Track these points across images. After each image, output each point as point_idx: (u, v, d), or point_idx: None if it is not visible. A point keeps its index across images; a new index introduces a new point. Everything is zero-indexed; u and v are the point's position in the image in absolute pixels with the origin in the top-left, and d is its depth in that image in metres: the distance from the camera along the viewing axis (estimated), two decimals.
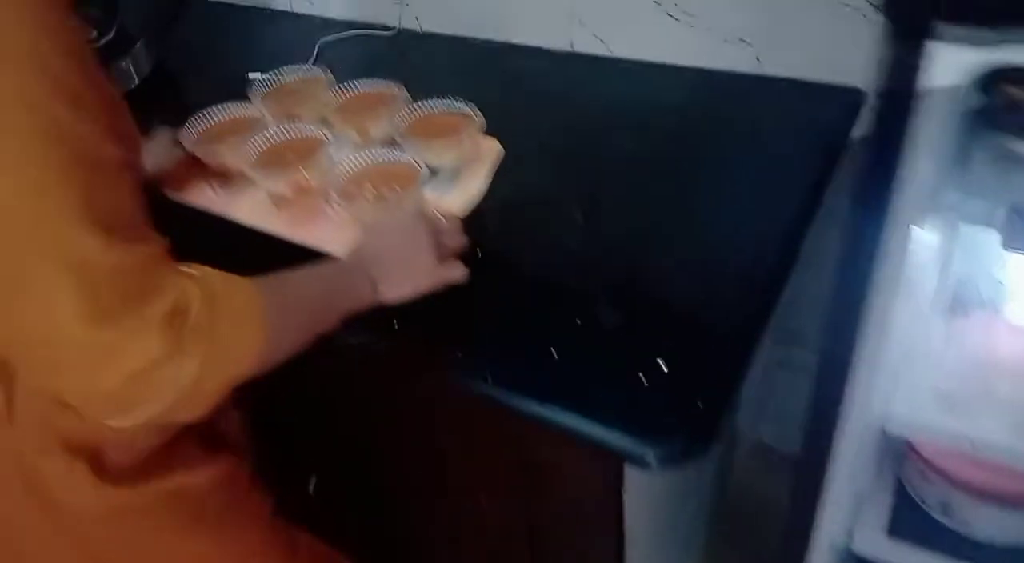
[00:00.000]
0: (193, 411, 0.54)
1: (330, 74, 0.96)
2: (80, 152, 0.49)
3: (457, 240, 0.75)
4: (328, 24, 1.38)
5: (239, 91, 1.22)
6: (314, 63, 1.27)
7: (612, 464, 0.70)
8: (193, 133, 0.89)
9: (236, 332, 0.55)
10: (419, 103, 0.88)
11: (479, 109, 0.88)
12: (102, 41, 1.17)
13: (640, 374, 0.66)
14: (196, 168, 0.88)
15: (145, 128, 1.16)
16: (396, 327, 0.72)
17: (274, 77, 0.97)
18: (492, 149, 0.87)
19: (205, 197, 0.87)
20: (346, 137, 0.89)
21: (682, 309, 0.73)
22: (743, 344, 0.69)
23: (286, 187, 0.82)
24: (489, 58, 1.23)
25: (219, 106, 0.92)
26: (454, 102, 0.87)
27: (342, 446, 0.95)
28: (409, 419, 0.84)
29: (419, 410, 0.81)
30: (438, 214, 0.75)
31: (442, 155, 0.83)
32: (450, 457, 0.85)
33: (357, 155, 0.83)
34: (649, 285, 0.75)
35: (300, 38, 1.37)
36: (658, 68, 1.13)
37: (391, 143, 0.85)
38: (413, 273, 0.70)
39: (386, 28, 1.34)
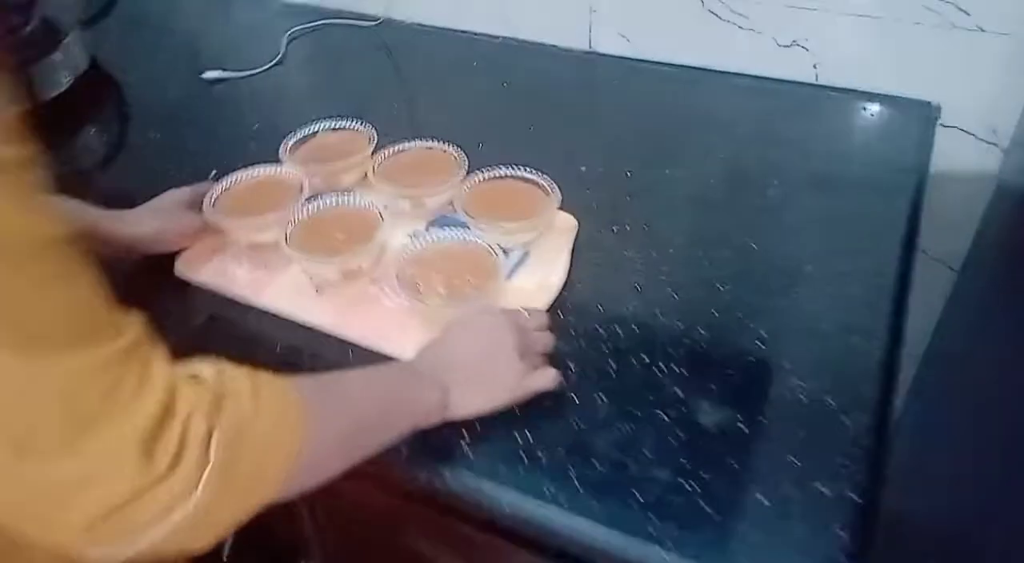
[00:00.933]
0: (202, 541, 0.42)
1: (372, 130, 0.78)
2: None
3: (544, 341, 0.60)
4: (296, 11, 1.19)
5: (194, 92, 1.03)
6: (283, 57, 1.08)
7: None
8: (216, 200, 0.71)
9: (264, 452, 0.42)
10: (484, 170, 0.72)
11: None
12: (22, 33, 0.96)
13: (757, 494, 0.53)
14: (217, 242, 0.71)
15: (75, 133, 1.00)
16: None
17: (307, 131, 0.80)
18: (568, 226, 0.72)
19: (229, 279, 0.69)
20: (396, 208, 0.73)
21: (791, 403, 0.59)
22: (872, 454, 0.56)
23: (332, 270, 0.65)
24: (493, 57, 1.06)
25: (245, 169, 0.74)
26: (524, 171, 0.72)
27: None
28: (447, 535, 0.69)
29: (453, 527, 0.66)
30: (522, 310, 0.60)
31: (515, 236, 0.68)
32: None
33: (422, 236, 0.67)
34: (744, 372, 0.61)
35: (263, 28, 1.17)
36: (696, 73, 0.98)
37: (449, 215, 0.71)
38: (493, 383, 0.55)
39: (365, 18, 1.15)
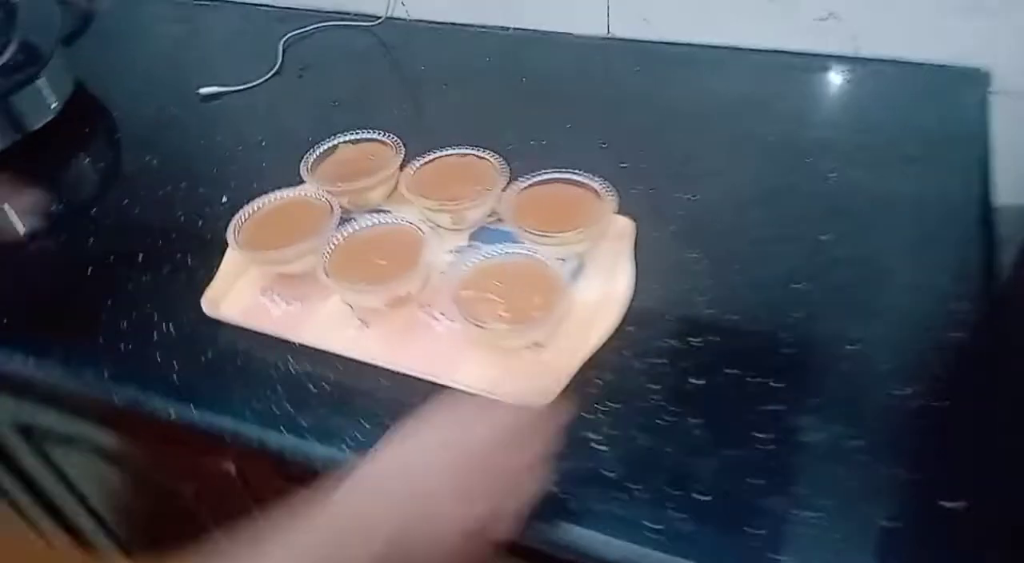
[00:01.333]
0: None
1: (396, 140, 0.73)
2: None
3: (533, 448, 0.44)
4: (289, 15, 1.12)
5: (190, 110, 0.96)
6: (281, 66, 1.01)
7: None
8: (240, 230, 0.65)
9: None
10: (527, 176, 0.67)
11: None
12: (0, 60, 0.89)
13: (881, 517, 0.47)
14: (245, 275, 0.65)
15: (66, 164, 0.93)
16: None
17: (325, 146, 0.74)
18: (623, 230, 0.66)
19: (263, 315, 0.63)
20: (434, 223, 0.67)
21: (898, 411, 0.54)
22: (996, 458, 0.51)
23: (378, 299, 0.59)
24: (505, 51, 1.00)
25: (268, 194, 0.69)
26: (572, 173, 0.66)
27: None
28: None
29: None
30: (523, 410, 0.47)
31: (572, 247, 0.62)
32: None
33: (469, 253, 0.62)
34: (842, 379, 0.56)
35: (256, 34, 1.10)
36: (726, 53, 0.92)
37: (492, 227, 0.66)
38: (450, 535, 0.39)
39: (364, 18, 1.08)
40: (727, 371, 0.57)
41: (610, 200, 0.63)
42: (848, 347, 0.58)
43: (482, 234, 0.68)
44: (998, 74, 0.83)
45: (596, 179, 0.65)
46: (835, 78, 0.87)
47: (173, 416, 0.59)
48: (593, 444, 0.53)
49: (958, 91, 0.82)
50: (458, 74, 0.97)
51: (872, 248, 0.65)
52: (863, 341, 0.58)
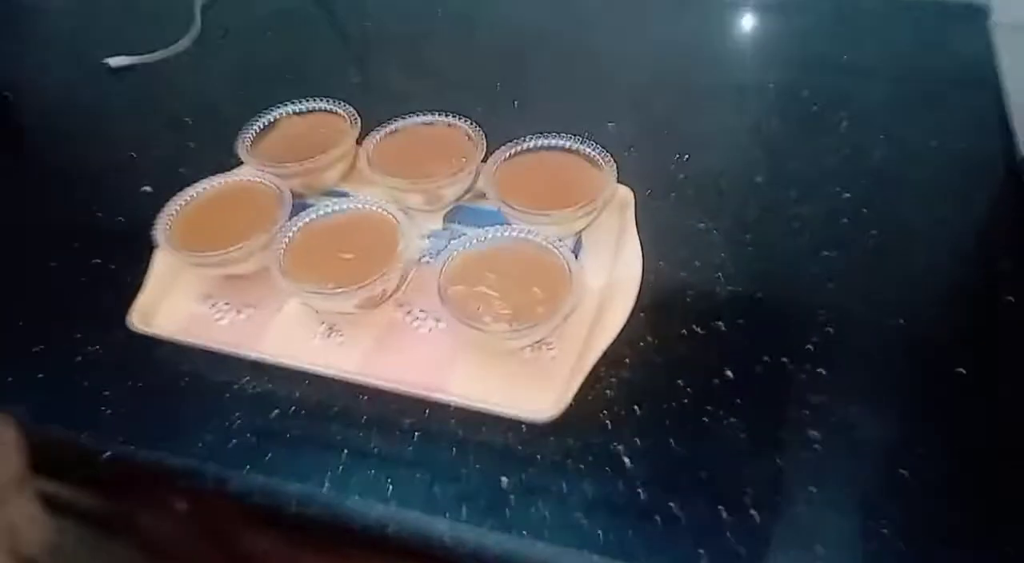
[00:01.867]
0: None
1: (350, 109, 0.62)
2: None
3: None
4: None
5: (99, 87, 0.83)
6: (200, 32, 0.89)
7: None
8: (172, 225, 0.53)
9: None
10: (511, 144, 0.57)
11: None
12: None
13: (962, 519, 0.41)
14: (182, 280, 0.55)
15: None
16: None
17: (265, 120, 0.62)
18: (624, 200, 0.57)
19: (207, 327, 0.52)
20: (405, 205, 0.57)
21: (964, 397, 0.47)
22: None
23: (350, 301, 0.49)
24: (458, 3, 0.89)
25: (202, 181, 0.57)
26: (562, 138, 0.57)
27: None
28: None
29: None
30: None
31: (570, 225, 0.53)
32: None
33: (449, 238, 0.53)
34: (895, 361, 0.49)
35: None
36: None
37: (470, 205, 0.57)
38: None
39: None
40: (762, 359, 0.49)
41: (609, 168, 0.55)
42: (893, 321, 0.51)
43: (460, 214, 0.58)
44: (997, 6, 0.77)
45: (589, 143, 0.56)
46: (827, 18, 0.79)
47: (107, 457, 0.49)
48: (619, 458, 0.45)
49: (959, 25, 0.76)
50: (408, 30, 0.87)
51: (900, 204, 0.59)
52: (908, 314, 0.51)
